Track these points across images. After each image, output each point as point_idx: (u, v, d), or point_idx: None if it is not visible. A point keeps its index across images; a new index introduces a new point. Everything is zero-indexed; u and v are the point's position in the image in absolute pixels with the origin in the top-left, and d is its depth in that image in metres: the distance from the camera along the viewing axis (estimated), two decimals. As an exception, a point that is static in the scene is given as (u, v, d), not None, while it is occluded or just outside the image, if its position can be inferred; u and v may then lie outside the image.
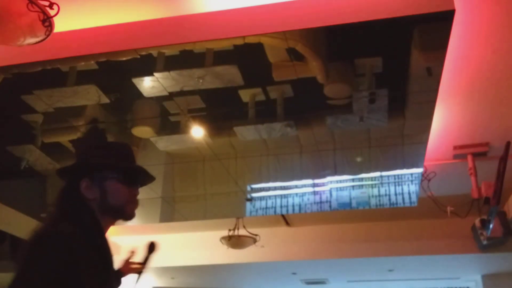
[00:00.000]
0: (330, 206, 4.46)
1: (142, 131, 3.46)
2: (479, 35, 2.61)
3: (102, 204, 1.51)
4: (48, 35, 2.14)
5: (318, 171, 4.10)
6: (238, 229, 5.01)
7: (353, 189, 4.34)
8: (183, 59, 2.71)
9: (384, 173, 4.11)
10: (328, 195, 4.39)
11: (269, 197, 4.58)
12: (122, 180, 1.54)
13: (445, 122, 3.40)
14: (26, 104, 3.07)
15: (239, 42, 2.54)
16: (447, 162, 3.86)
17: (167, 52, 2.67)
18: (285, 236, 5.57)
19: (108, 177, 1.52)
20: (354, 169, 4.06)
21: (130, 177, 1.57)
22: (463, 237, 4.85)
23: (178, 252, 5.62)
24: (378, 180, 4.20)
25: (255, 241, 5.00)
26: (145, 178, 1.63)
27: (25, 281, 1.30)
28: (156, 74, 2.79)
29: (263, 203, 4.63)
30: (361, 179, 4.22)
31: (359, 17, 2.31)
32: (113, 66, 2.75)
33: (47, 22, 2.07)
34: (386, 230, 5.32)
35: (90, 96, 3.02)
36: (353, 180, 4.23)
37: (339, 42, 2.60)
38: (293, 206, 4.54)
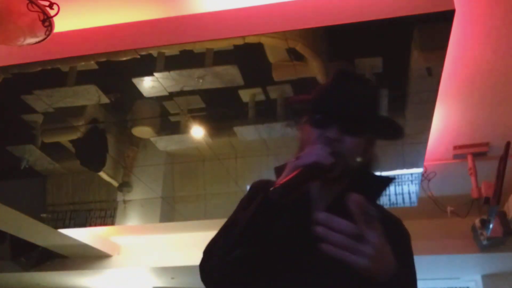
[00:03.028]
0: (330, 206, 4.46)
1: (142, 131, 3.46)
2: (479, 35, 2.61)
3: None
4: (48, 35, 2.14)
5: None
6: (238, 229, 5.00)
7: (353, 189, 4.34)
8: (183, 59, 2.71)
9: (384, 173, 4.10)
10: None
11: (269, 197, 4.57)
12: (311, 120, 1.21)
13: (445, 122, 3.40)
14: (26, 104, 3.07)
15: (239, 42, 2.54)
16: (447, 162, 3.86)
17: (167, 52, 2.67)
18: (285, 236, 5.56)
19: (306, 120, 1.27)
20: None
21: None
22: (463, 237, 4.84)
23: (178, 252, 5.62)
24: (378, 180, 4.19)
25: (255, 241, 4.99)
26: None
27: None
28: (156, 74, 2.79)
29: (263, 203, 4.62)
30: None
31: (359, 17, 2.31)
32: (113, 66, 2.75)
33: (47, 22, 2.07)
34: (386, 230, 5.31)
35: (90, 96, 3.02)
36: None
37: (339, 42, 2.60)
38: (293, 206, 4.53)
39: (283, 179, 1.02)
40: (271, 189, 1.01)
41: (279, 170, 1.20)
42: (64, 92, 3.01)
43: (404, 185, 4.19)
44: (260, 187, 1.20)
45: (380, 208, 1.20)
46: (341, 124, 1.12)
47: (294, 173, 1.02)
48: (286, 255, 1.09)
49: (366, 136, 1.16)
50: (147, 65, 2.73)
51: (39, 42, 2.18)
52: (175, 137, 3.59)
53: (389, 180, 1.23)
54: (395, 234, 1.07)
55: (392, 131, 1.24)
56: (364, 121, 1.15)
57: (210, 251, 1.15)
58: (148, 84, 2.90)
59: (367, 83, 1.23)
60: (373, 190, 1.20)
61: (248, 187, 1.35)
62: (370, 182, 1.20)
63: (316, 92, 1.21)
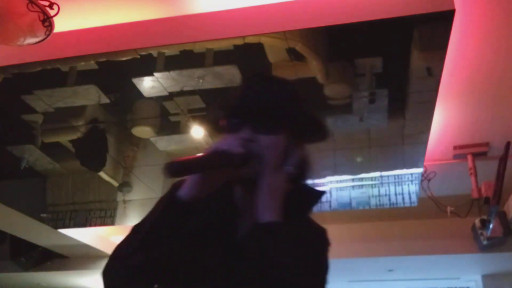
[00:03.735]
0: (330, 206, 4.46)
1: (142, 131, 3.46)
2: (479, 35, 2.61)
3: None
4: (48, 35, 2.14)
5: (318, 171, 4.09)
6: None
7: (353, 189, 4.34)
8: (183, 59, 2.71)
9: (384, 173, 4.10)
10: (328, 195, 4.39)
11: (269, 197, 4.56)
12: (226, 128, 1.14)
13: (445, 122, 3.40)
14: (26, 104, 3.07)
15: (239, 42, 2.54)
16: (447, 162, 3.86)
17: (167, 52, 2.67)
18: (285, 236, 5.55)
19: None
20: (354, 169, 4.06)
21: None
22: (463, 237, 4.85)
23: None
24: (378, 180, 4.19)
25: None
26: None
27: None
28: (156, 74, 2.79)
29: (263, 203, 4.61)
30: (361, 179, 4.22)
31: (359, 17, 2.31)
32: (113, 66, 2.75)
33: (47, 22, 2.08)
34: (386, 230, 5.32)
35: (90, 96, 3.02)
36: (353, 180, 4.23)
37: (339, 42, 2.60)
38: (293, 206, 4.53)
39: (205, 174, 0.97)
40: (166, 163, 0.91)
41: None
42: (64, 92, 3.00)
43: (404, 185, 4.19)
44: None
45: (307, 218, 1.17)
46: (253, 124, 1.07)
47: (198, 156, 0.96)
48: (196, 260, 1.03)
49: (283, 133, 1.09)
50: (147, 65, 2.73)
51: (39, 42, 2.18)
52: (175, 137, 3.59)
53: (321, 194, 1.18)
54: (317, 240, 1.13)
55: (313, 129, 1.18)
56: (278, 118, 1.09)
57: (114, 256, 1.04)
58: (148, 84, 2.89)
59: (280, 81, 1.18)
60: (303, 203, 1.15)
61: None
62: (300, 194, 1.14)
63: (230, 99, 1.17)
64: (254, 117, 1.08)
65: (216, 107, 1.29)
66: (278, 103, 1.12)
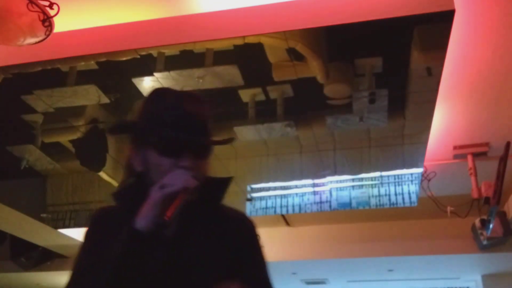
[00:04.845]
0: (330, 206, 4.46)
1: (142, 131, 3.45)
2: (479, 35, 2.61)
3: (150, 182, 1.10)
4: (48, 35, 2.14)
5: (318, 171, 4.09)
6: (238, 229, 4.99)
7: (353, 189, 4.34)
8: (183, 59, 2.71)
9: (384, 173, 4.11)
10: (328, 195, 4.39)
11: (269, 197, 4.58)
12: (161, 149, 1.11)
13: (445, 122, 3.40)
14: (26, 104, 3.07)
15: (239, 42, 2.54)
16: (447, 162, 3.86)
17: (167, 52, 2.67)
18: (285, 236, 5.56)
19: (148, 144, 1.12)
20: (354, 169, 4.06)
21: (171, 144, 1.10)
22: (463, 237, 4.85)
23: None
24: (378, 180, 4.20)
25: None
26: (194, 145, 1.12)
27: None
28: (156, 74, 2.79)
29: (263, 203, 4.62)
30: (361, 179, 4.22)
31: (359, 17, 2.31)
32: (113, 66, 2.75)
33: (47, 22, 2.08)
34: (386, 230, 5.32)
35: (90, 96, 3.02)
36: (353, 180, 4.23)
37: (339, 42, 2.60)
38: (293, 206, 4.53)
39: (166, 209, 0.99)
40: (164, 221, 0.98)
41: (119, 196, 1.18)
42: (64, 92, 3.01)
43: (404, 185, 4.19)
44: (104, 217, 1.18)
45: (223, 208, 1.21)
46: (192, 151, 1.10)
47: (176, 203, 1.01)
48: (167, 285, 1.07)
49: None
50: (147, 65, 2.73)
51: (39, 42, 2.18)
52: (175, 137, 3.58)
53: (228, 180, 1.23)
54: (239, 228, 1.18)
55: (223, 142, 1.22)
56: (210, 142, 1.15)
57: None
58: (148, 84, 2.90)
59: (200, 100, 1.19)
60: (214, 192, 1.21)
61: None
62: (211, 185, 1.19)
63: (154, 116, 1.13)
64: (194, 143, 1.11)
65: (126, 123, 1.30)
66: (209, 124, 1.15)
